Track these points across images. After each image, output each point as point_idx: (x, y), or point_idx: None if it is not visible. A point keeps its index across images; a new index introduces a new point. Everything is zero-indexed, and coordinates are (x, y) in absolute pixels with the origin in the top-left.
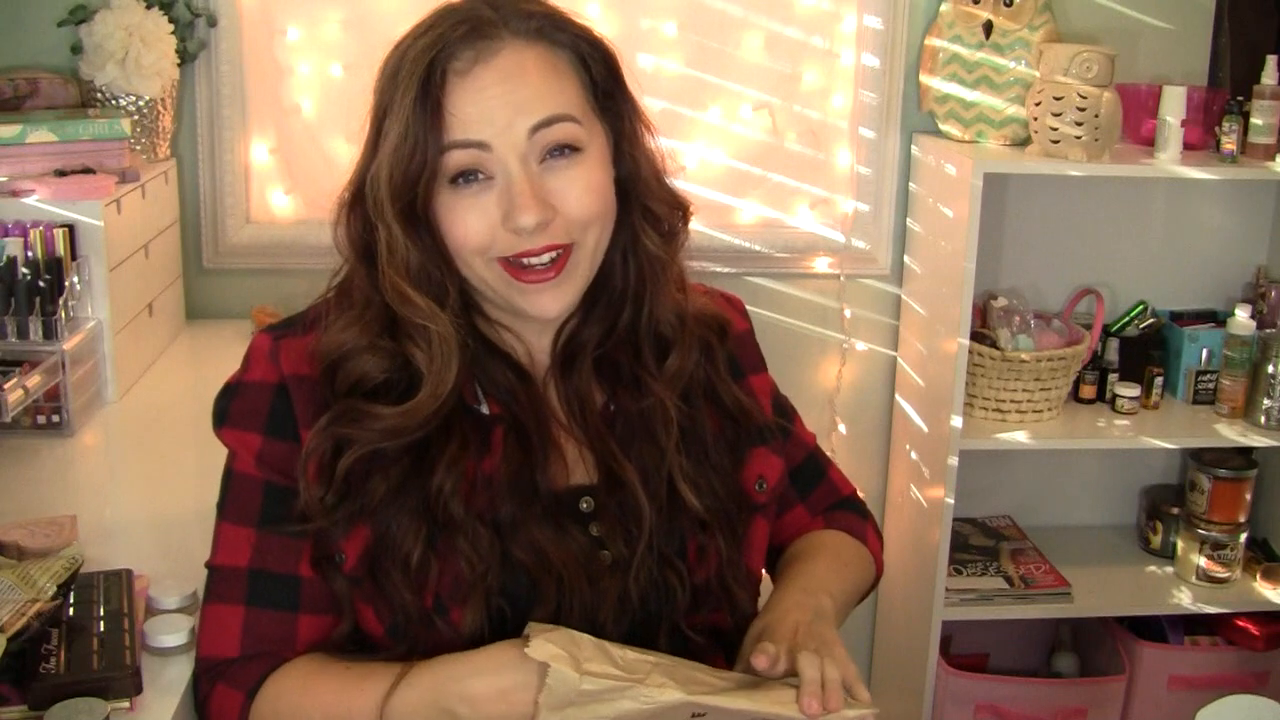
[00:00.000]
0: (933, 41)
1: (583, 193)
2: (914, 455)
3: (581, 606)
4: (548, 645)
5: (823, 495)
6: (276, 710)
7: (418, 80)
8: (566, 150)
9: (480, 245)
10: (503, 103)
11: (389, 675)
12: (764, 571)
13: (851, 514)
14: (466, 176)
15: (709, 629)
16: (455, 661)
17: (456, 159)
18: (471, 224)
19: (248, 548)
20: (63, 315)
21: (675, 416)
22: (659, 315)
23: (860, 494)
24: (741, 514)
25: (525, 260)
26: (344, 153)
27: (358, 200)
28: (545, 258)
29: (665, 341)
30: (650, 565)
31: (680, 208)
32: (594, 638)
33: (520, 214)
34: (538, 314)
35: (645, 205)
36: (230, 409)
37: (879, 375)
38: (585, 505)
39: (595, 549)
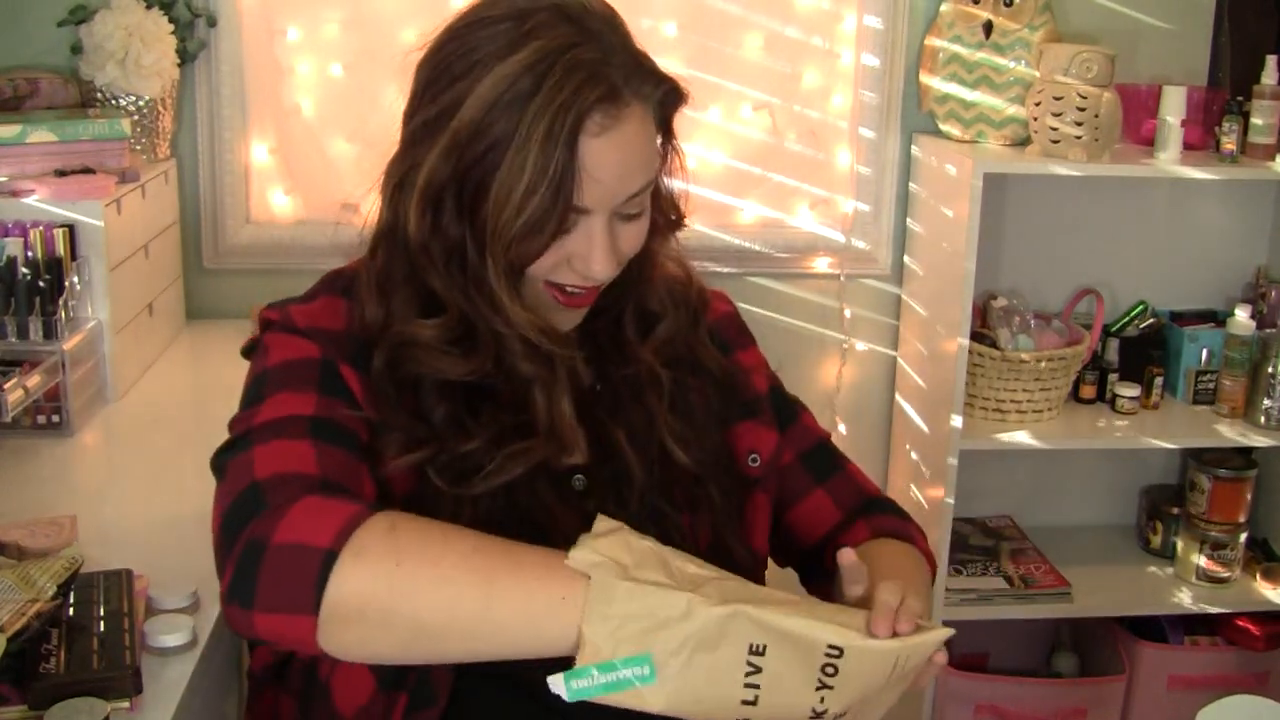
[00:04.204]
0: (933, 41)
1: (633, 247)
2: (914, 455)
3: None
4: (591, 554)
5: (847, 489)
6: (423, 531)
7: (565, 141)
8: (639, 213)
9: (541, 274)
10: (616, 174)
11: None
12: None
13: (890, 516)
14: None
15: None
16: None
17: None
18: (545, 259)
19: (309, 404)
20: (63, 315)
21: (665, 383)
22: (646, 295)
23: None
24: (737, 488)
25: (571, 289)
26: (344, 153)
27: (436, 200)
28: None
29: (652, 314)
30: (644, 524)
31: (677, 217)
32: (657, 545)
33: (596, 267)
34: (563, 328)
35: (652, 214)
36: (276, 324)
37: (879, 375)
38: (578, 483)
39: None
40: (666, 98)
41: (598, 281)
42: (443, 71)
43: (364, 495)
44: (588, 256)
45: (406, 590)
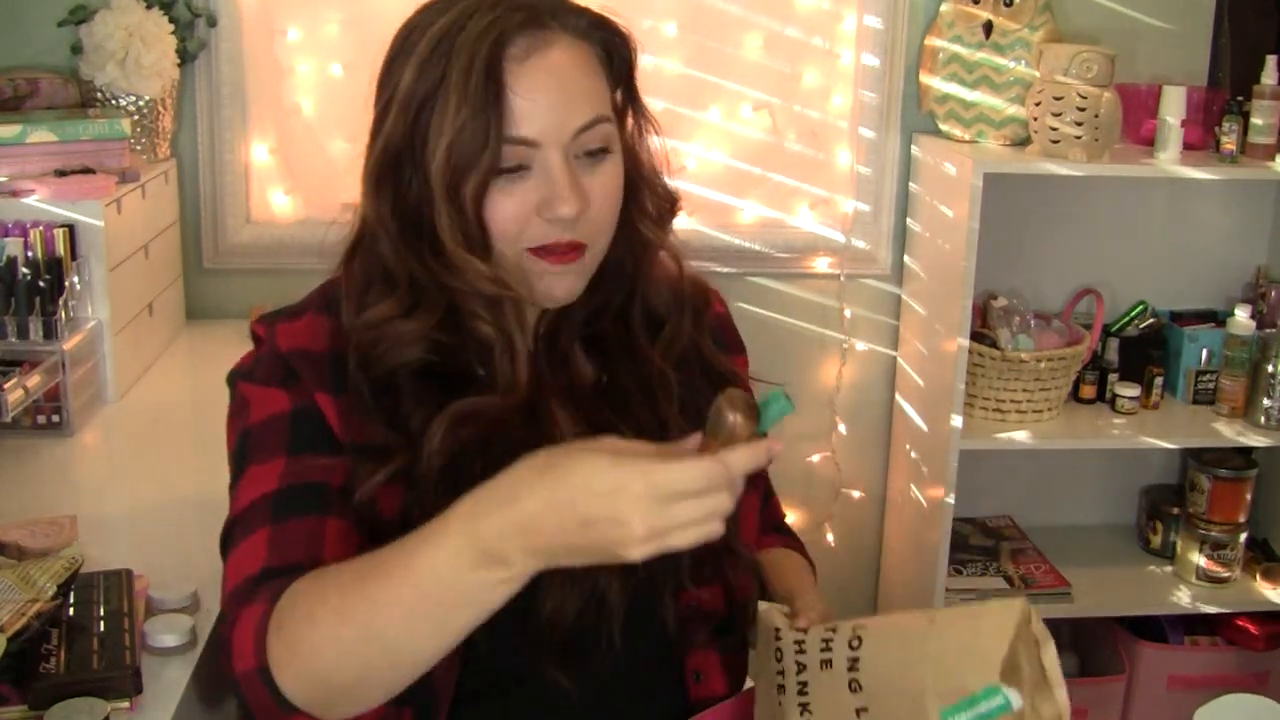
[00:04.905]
0: (933, 41)
1: (606, 195)
2: (914, 455)
3: (586, 568)
4: None
5: (771, 512)
6: (294, 602)
7: (482, 65)
8: (599, 152)
9: (514, 232)
10: (555, 100)
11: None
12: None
13: (792, 538)
14: (511, 170)
15: (706, 614)
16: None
17: (509, 153)
18: (509, 211)
19: (274, 476)
20: (63, 315)
21: (674, 386)
22: (650, 293)
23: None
24: None
25: (551, 247)
26: (344, 153)
27: (393, 170)
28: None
29: (658, 316)
30: None
31: (670, 201)
32: None
33: (561, 205)
34: (549, 298)
35: (640, 198)
36: (252, 371)
37: (879, 375)
38: None
39: None
40: (607, 39)
41: (569, 221)
42: (387, 65)
43: (320, 557)
44: (552, 197)
45: (328, 666)
